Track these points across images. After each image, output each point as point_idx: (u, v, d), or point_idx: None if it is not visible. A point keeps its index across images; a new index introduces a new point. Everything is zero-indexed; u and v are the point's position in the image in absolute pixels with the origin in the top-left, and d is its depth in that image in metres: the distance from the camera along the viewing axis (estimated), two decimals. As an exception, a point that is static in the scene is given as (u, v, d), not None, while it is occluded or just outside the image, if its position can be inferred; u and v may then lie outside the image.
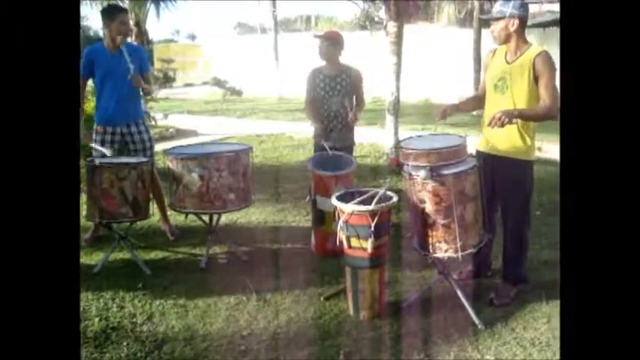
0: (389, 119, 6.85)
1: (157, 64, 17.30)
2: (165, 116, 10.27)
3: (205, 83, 18.42)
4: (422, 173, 2.84)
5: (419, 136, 3.29)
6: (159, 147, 8.51)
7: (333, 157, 3.96)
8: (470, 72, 11.65)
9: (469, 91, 11.78)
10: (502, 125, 3.01)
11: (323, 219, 3.83)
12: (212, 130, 10.18)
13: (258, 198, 5.38)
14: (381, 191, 3.07)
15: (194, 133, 9.82)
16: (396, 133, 6.84)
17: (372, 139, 7.82)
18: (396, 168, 6.06)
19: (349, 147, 4.18)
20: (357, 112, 4.13)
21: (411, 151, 2.93)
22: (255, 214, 4.88)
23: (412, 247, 3.22)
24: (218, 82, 15.17)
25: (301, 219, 4.84)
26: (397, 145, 3.06)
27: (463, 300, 3.05)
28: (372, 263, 2.99)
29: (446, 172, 2.85)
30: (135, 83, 3.97)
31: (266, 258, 3.96)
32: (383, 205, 2.90)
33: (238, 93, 15.18)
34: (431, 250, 3.02)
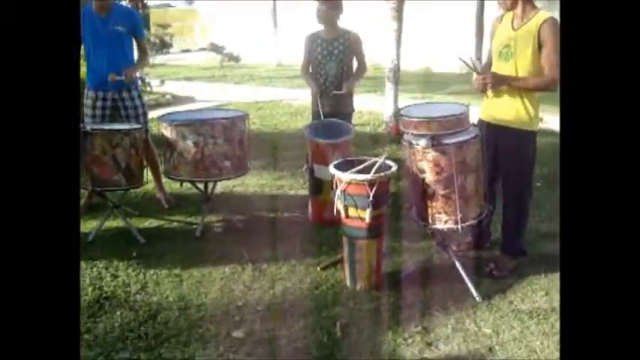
0: (389, 87, 6.71)
1: (154, 29, 16.95)
2: (162, 82, 10.07)
3: (202, 49, 18.09)
4: (422, 142, 2.74)
5: (420, 104, 3.18)
6: (155, 114, 8.34)
7: (331, 124, 3.86)
8: (472, 40, 11.40)
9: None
10: (484, 90, 2.97)
11: (320, 188, 3.75)
12: (209, 96, 10.01)
13: (255, 165, 5.30)
14: (380, 160, 2.98)
15: (191, 100, 9.65)
16: (395, 101, 6.71)
17: (371, 107, 7.68)
18: (396, 136, 5.95)
19: (348, 114, 4.07)
20: (353, 79, 4.01)
21: (411, 119, 2.83)
22: (251, 182, 4.80)
23: (411, 217, 3.15)
24: (215, 48, 14.89)
25: (299, 187, 4.76)
26: (397, 113, 2.95)
27: (461, 272, 3.00)
28: (369, 234, 2.92)
29: (447, 141, 2.76)
30: (127, 79, 3.83)
31: (262, 227, 3.90)
32: (382, 174, 2.81)
33: (236, 59, 14.91)
34: (430, 221, 2.95)
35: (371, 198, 2.78)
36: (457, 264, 3.03)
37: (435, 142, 2.74)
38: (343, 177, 2.84)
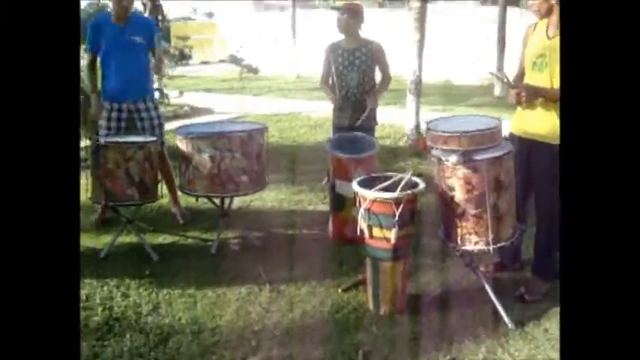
0: (410, 99, 6.53)
1: (174, 42, 17.01)
2: (181, 93, 10.00)
3: (222, 61, 18.08)
4: (453, 158, 2.55)
5: (448, 117, 2.99)
6: (173, 125, 8.27)
7: (354, 138, 3.68)
8: (493, 51, 11.17)
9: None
10: (519, 103, 2.79)
11: (342, 204, 3.58)
12: (228, 108, 9.91)
13: (274, 179, 5.14)
14: (407, 177, 2.80)
15: (209, 112, 9.57)
16: (417, 113, 6.53)
17: (392, 120, 7.48)
18: (423, 151, 5.72)
19: (371, 127, 3.89)
20: (377, 93, 3.85)
21: (440, 133, 2.64)
22: (270, 197, 4.63)
23: (439, 237, 2.95)
24: (234, 60, 14.82)
25: (318, 202, 4.58)
26: (424, 127, 2.75)
27: (492, 296, 2.80)
28: (395, 255, 2.73)
29: (479, 157, 2.57)
30: (155, 71, 3.76)
31: (280, 244, 3.72)
32: (409, 192, 2.62)
33: (255, 71, 14.83)
34: (459, 242, 2.75)
35: (397, 217, 2.60)
36: (487, 287, 2.83)
37: (466, 159, 2.55)
38: (367, 195, 2.66)
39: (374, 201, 2.64)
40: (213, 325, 2.73)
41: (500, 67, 10.76)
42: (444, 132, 2.62)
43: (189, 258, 3.48)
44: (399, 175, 2.84)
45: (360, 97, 3.81)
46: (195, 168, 3.35)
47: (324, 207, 4.42)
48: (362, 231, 2.75)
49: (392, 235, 2.64)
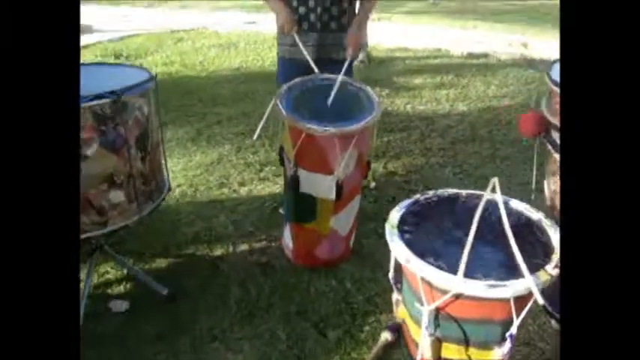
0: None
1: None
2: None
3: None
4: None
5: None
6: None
7: (330, 86, 1.92)
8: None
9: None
10: None
11: (312, 210, 1.89)
12: (112, 25, 7.52)
13: (177, 138, 3.31)
14: (499, 206, 1.13)
15: (87, 29, 7.16)
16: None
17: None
18: (529, 140, 3.62)
19: (349, 62, 2.12)
20: (364, 11, 2.10)
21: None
22: (174, 173, 2.80)
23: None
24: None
25: (254, 178, 2.83)
26: (551, 82, 1.10)
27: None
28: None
29: None
30: None
31: (201, 285, 1.98)
32: (548, 276, 0.96)
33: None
34: None
35: (513, 331, 0.97)
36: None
37: None
38: (449, 284, 0.96)
39: (458, 296, 0.97)
40: None
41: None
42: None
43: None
44: (482, 198, 1.16)
45: (336, 10, 2.01)
46: None
47: (265, 186, 2.72)
48: (413, 342, 1.10)
49: (492, 358, 1.02)
